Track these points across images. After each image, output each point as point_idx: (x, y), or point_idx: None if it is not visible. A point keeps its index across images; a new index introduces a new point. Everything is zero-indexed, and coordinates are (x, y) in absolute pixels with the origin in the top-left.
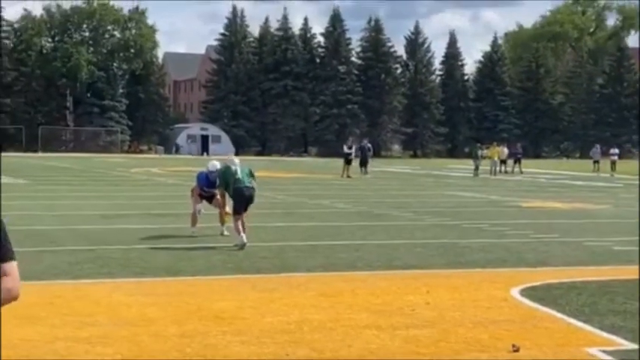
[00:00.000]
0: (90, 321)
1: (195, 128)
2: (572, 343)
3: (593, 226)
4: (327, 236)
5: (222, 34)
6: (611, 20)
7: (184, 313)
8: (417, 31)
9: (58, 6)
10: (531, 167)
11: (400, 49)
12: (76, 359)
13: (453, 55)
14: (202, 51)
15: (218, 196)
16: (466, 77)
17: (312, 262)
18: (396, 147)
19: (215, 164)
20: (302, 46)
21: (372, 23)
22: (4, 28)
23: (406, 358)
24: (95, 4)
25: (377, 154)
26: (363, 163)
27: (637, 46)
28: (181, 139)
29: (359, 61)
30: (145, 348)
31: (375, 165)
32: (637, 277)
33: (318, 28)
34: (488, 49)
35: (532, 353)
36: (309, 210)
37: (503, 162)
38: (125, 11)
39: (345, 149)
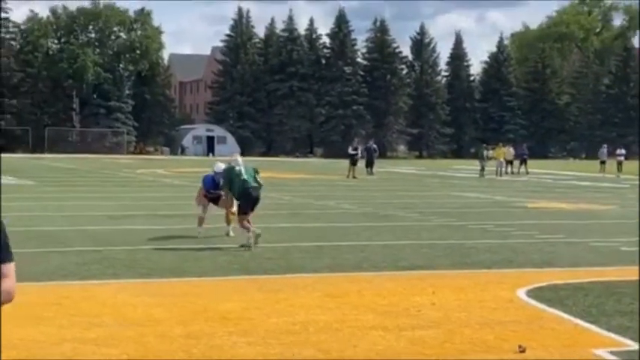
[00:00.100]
0: (96, 322)
1: (201, 129)
2: (579, 343)
3: (600, 226)
4: (333, 237)
5: (228, 35)
6: (618, 20)
7: (190, 314)
8: (422, 32)
9: (64, 7)
10: (537, 168)
11: (406, 50)
12: None
13: (458, 56)
14: (208, 52)
15: (224, 197)
16: (472, 78)
17: (318, 263)
18: (402, 148)
19: (220, 166)
20: (307, 47)
21: (378, 24)
22: (11, 29)
23: (412, 359)
24: (101, 5)
25: (382, 155)
26: (369, 164)
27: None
28: (187, 140)
29: (364, 62)
30: (151, 349)
31: (380, 166)
32: None
33: (323, 29)
34: (494, 49)
35: (538, 354)
36: (314, 211)
37: (509, 162)
38: (131, 12)
39: (351, 150)
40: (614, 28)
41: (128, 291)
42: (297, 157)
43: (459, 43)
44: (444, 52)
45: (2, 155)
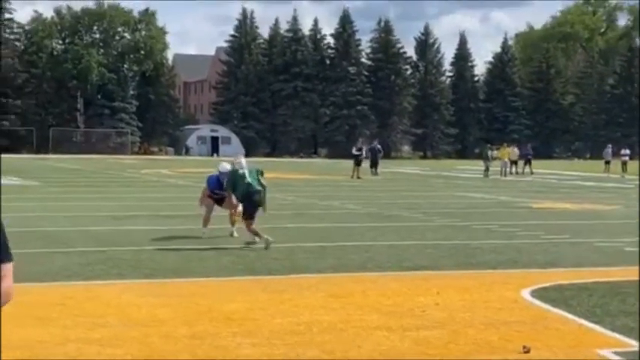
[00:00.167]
0: (101, 322)
1: (205, 129)
2: (584, 344)
3: (604, 226)
4: (338, 237)
5: (232, 36)
6: (622, 20)
7: (195, 314)
8: (427, 32)
9: (69, 8)
10: (542, 168)
11: (410, 50)
12: None
13: (463, 56)
14: (212, 52)
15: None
16: (476, 78)
17: (322, 264)
18: (406, 148)
19: (225, 166)
20: (312, 47)
21: (382, 24)
22: (15, 30)
23: (416, 359)
24: (105, 5)
25: (387, 155)
26: (374, 164)
27: None
28: (191, 141)
29: (369, 62)
30: (156, 349)
31: (385, 166)
32: None
33: (327, 29)
34: (498, 49)
35: (543, 354)
36: (319, 211)
37: (513, 163)
38: (135, 13)
39: (355, 150)
40: (618, 28)
41: (132, 291)
42: (302, 157)
43: (463, 43)
44: (448, 52)
45: (7, 156)
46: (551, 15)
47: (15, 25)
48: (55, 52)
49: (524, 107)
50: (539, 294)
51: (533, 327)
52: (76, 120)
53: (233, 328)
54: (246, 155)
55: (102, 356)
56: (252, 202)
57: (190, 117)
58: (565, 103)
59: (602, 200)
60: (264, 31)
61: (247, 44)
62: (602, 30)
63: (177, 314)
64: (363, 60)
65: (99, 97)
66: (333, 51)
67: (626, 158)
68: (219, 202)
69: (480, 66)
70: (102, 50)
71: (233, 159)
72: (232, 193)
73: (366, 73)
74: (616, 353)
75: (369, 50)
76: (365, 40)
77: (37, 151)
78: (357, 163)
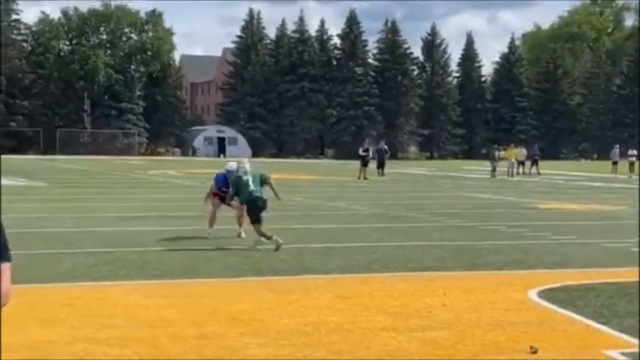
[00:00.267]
0: (108, 323)
1: (212, 130)
2: (591, 345)
3: (612, 227)
4: (344, 238)
5: (239, 37)
6: (630, 20)
7: (202, 315)
8: (433, 33)
9: (76, 9)
10: (549, 168)
11: (417, 51)
12: None
13: (469, 57)
14: (219, 53)
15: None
16: (483, 78)
17: (329, 264)
18: (413, 148)
19: (232, 165)
20: (318, 48)
21: (389, 25)
22: (22, 31)
23: None
24: (112, 7)
25: (393, 156)
26: (380, 165)
27: None
28: (198, 142)
29: (375, 63)
30: (163, 350)
31: (391, 167)
32: None
33: (334, 30)
34: (505, 50)
35: (550, 355)
36: (326, 212)
37: (520, 163)
38: (142, 14)
39: (362, 151)
40: (625, 28)
41: (140, 292)
42: (308, 158)
43: (470, 43)
44: (455, 52)
45: (14, 157)
46: (559, 15)
47: (22, 26)
48: (62, 53)
49: (532, 108)
50: (546, 295)
51: (541, 328)
52: (83, 121)
53: (240, 329)
54: (253, 156)
55: (109, 356)
56: (256, 207)
57: (197, 118)
58: (572, 104)
59: (609, 201)
60: (271, 32)
61: (254, 45)
62: (610, 30)
63: (185, 315)
64: (370, 60)
65: (106, 98)
66: (339, 52)
67: (634, 159)
68: (226, 200)
69: (487, 66)
70: (109, 51)
71: (238, 161)
72: (234, 197)
73: (372, 74)
74: (623, 354)
75: (375, 51)
76: (372, 40)
77: (44, 152)
78: (364, 164)
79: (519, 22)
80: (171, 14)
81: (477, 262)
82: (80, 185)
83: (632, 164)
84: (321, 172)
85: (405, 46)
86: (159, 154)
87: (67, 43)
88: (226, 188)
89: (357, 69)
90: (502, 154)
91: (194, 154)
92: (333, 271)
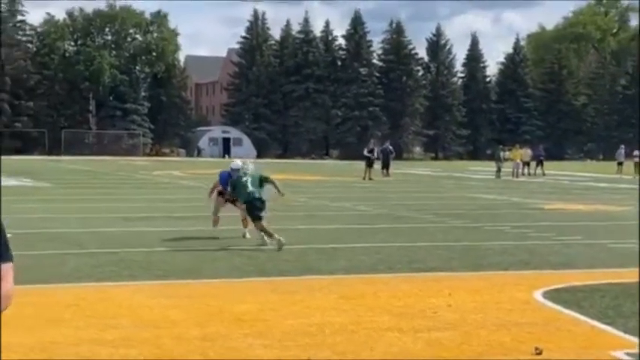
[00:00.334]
0: (113, 323)
1: (217, 131)
2: (596, 345)
3: (617, 228)
4: (349, 239)
5: (244, 37)
6: (634, 21)
7: (206, 316)
8: (438, 33)
9: (81, 10)
10: (554, 169)
11: (422, 52)
12: None
13: (474, 57)
14: (224, 54)
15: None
16: (488, 79)
17: (333, 265)
18: (418, 149)
19: (237, 163)
20: (323, 48)
21: (394, 25)
22: (28, 32)
23: None
24: (117, 7)
25: (398, 157)
26: (385, 166)
27: None
28: (203, 142)
29: (380, 64)
30: (168, 350)
31: (396, 167)
32: None
33: (339, 30)
34: (510, 50)
35: (555, 356)
36: (330, 212)
37: (525, 164)
38: (147, 15)
39: (367, 152)
40: (630, 28)
41: (144, 292)
42: (313, 158)
43: (474, 44)
44: (460, 53)
45: (19, 157)
46: (563, 16)
47: (27, 27)
48: (67, 54)
49: (536, 108)
50: (551, 295)
51: (546, 328)
52: (88, 122)
53: (244, 330)
54: (258, 156)
55: (114, 357)
56: (254, 208)
57: (202, 118)
58: (577, 104)
59: (614, 201)
60: (276, 33)
61: (259, 46)
62: (615, 31)
63: (189, 315)
64: (375, 61)
65: (111, 98)
66: (344, 52)
67: (639, 159)
68: (233, 201)
69: (492, 67)
70: (114, 52)
71: (243, 162)
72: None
73: (377, 75)
74: (628, 354)
75: (380, 51)
76: (376, 41)
77: (49, 153)
78: (369, 165)
79: (524, 23)
80: (176, 15)
81: (481, 263)
82: (85, 186)
83: (637, 165)
84: (326, 173)
85: (410, 46)
86: (164, 154)
87: (72, 43)
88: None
89: (361, 69)
90: (507, 154)
91: (199, 154)
92: (338, 272)
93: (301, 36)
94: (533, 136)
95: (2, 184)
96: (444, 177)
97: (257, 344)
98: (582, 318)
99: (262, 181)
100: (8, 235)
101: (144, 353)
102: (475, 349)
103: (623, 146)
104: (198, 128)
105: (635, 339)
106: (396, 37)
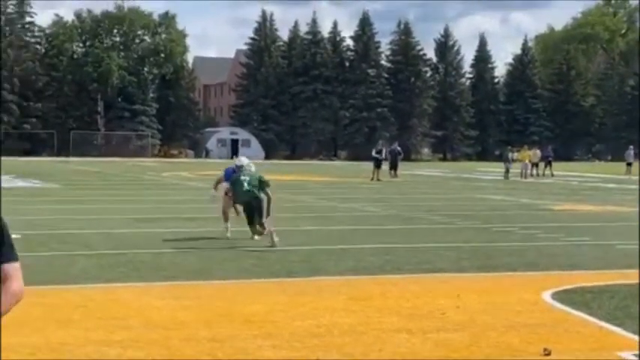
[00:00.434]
0: (122, 324)
1: (225, 132)
2: (605, 346)
3: (626, 229)
4: (357, 240)
5: (252, 39)
6: None
7: (215, 317)
8: (446, 34)
9: (89, 11)
10: (562, 170)
11: (430, 52)
12: None
13: (483, 58)
14: (232, 55)
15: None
16: (496, 80)
17: (342, 266)
18: (426, 150)
19: (242, 160)
20: (331, 49)
21: (402, 26)
22: (36, 33)
23: None
24: (126, 9)
25: (407, 158)
26: (393, 167)
27: None
28: (211, 143)
29: (388, 65)
30: (176, 351)
31: (404, 168)
32: None
33: (347, 31)
34: (518, 51)
35: (564, 357)
36: (339, 213)
37: (534, 165)
38: (155, 16)
39: (375, 153)
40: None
41: (153, 294)
42: (322, 159)
43: (483, 45)
44: (468, 54)
45: (28, 159)
46: (572, 16)
47: (36, 29)
48: (75, 56)
49: (545, 109)
50: (559, 296)
51: (554, 329)
52: (96, 123)
53: (253, 331)
54: (266, 157)
55: (123, 358)
56: (250, 207)
57: (210, 120)
58: (586, 105)
59: (623, 202)
60: (284, 34)
61: (267, 47)
62: (623, 31)
63: (198, 316)
64: (383, 62)
65: (119, 100)
66: (352, 53)
67: None
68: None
69: (500, 68)
70: (122, 53)
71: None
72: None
73: (385, 75)
74: (637, 356)
75: (388, 52)
76: (384, 42)
77: (58, 154)
78: (377, 166)
79: (532, 24)
80: (184, 16)
81: (490, 264)
82: (93, 187)
83: None
84: (334, 174)
85: (418, 47)
86: (172, 155)
87: (81, 45)
88: None
89: (369, 70)
90: (515, 155)
91: (207, 155)
92: (346, 273)
93: (309, 37)
94: (541, 136)
95: (11, 185)
96: (453, 178)
97: (266, 345)
98: (591, 319)
99: (262, 182)
100: (17, 236)
101: (152, 354)
102: (484, 350)
103: (632, 147)
104: (207, 129)
105: None
106: (404, 38)
